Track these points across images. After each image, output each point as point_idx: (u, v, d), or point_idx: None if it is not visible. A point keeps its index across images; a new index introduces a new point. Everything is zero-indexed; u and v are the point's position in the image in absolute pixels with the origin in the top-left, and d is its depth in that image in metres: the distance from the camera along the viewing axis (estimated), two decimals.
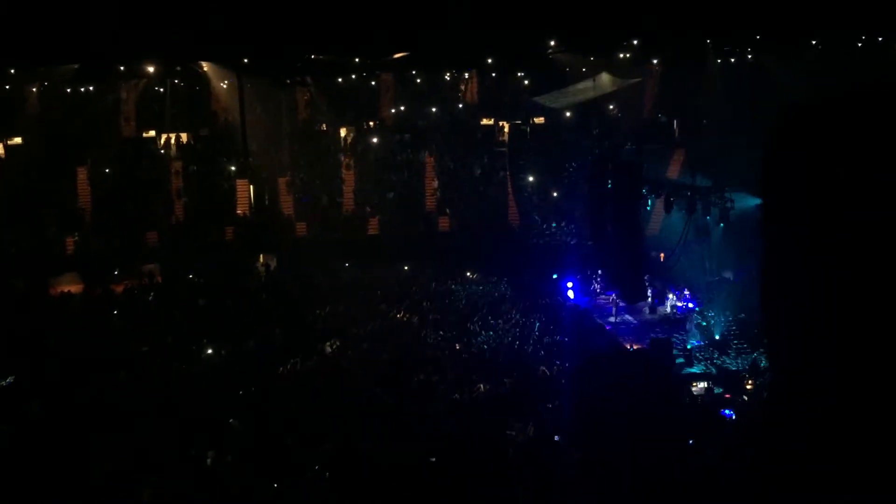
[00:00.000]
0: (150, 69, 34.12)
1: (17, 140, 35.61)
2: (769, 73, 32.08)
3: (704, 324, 26.39)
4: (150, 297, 29.71)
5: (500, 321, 26.17)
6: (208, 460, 16.36)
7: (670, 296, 28.83)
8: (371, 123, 38.41)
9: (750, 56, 34.10)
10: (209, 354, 23.34)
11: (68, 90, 35.62)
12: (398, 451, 16.08)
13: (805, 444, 1.36)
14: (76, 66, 33.64)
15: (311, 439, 16.99)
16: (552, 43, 34.43)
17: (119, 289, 30.45)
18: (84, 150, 35.05)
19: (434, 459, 15.57)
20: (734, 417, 18.51)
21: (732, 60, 34.14)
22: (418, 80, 38.27)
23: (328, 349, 23.63)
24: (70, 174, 34.51)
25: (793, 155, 1.35)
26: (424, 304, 27.79)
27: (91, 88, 36.05)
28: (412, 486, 14.64)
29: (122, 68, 34.62)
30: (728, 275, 28.59)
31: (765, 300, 1.45)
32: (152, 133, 37.17)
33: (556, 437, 16.31)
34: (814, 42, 31.74)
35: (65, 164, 34.47)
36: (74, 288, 30.63)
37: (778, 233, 1.39)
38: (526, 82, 38.06)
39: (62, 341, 23.93)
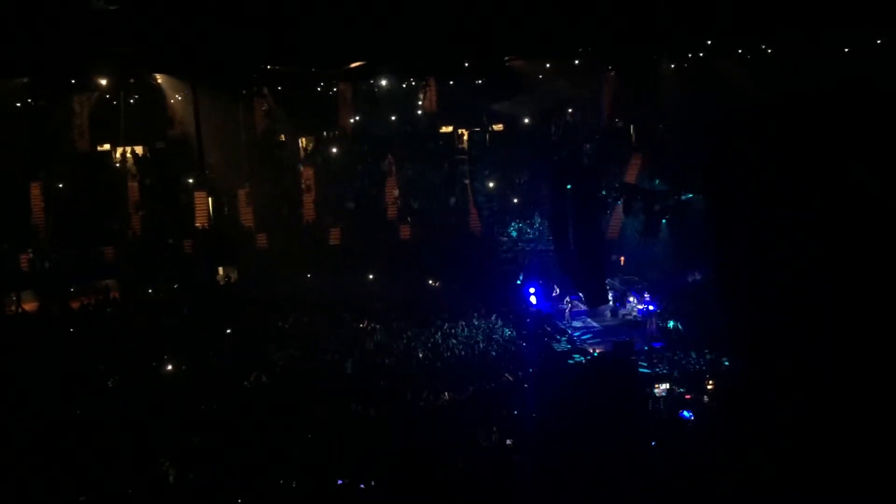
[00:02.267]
0: (104, 82, 33.62)
1: None
2: (723, 76, 32.64)
3: (671, 325, 26.68)
4: (108, 313, 29.23)
5: (463, 328, 26.23)
6: (170, 478, 16.15)
7: (631, 299, 29.12)
8: (330, 133, 38.30)
9: (704, 60, 34.65)
10: (169, 370, 23.02)
11: (19, 104, 34.94)
12: (366, 458, 16.03)
13: (767, 439, 1.37)
14: (26, 80, 33.04)
15: (278, 451, 16.86)
16: (509, 50, 34.65)
17: (76, 305, 29.90)
18: (37, 165, 34.38)
19: (402, 466, 15.56)
20: (692, 418, 18.76)
21: (686, 65, 34.66)
22: (376, 90, 38.24)
23: (292, 361, 23.46)
24: (23, 189, 33.83)
25: (739, 152, 1.37)
26: (386, 312, 27.76)
27: (43, 102, 35.39)
28: (380, 494, 14.61)
29: (74, 81, 34.05)
30: (689, 276, 29.00)
31: (723, 293, 1.47)
32: (107, 146, 36.62)
33: (508, 441, 16.42)
34: (764, 46, 32.34)
35: (17, 180, 33.79)
36: (30, 305, 30.03)
37: (726, 226, 1.41)
38: (484, 90, 38.23)
39: (18, 359, 23.42)
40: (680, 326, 26.64)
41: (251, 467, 16.33)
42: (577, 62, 34.94)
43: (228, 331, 25.82)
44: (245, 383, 21.81)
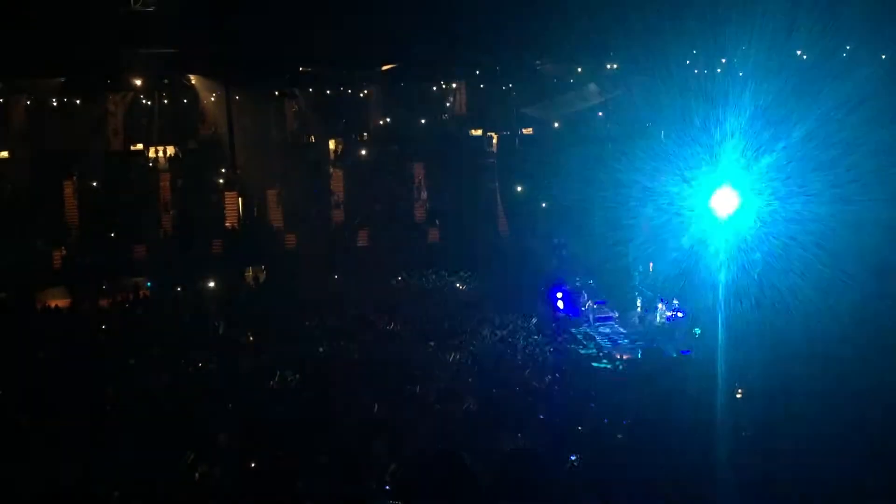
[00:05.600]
0: (139, 82, 34.04)
1: (4, 154, 35.45)
2: (749, 83, 32.26)
3: (696, 332, 26.37)
4: (138, 311, 29.53)
5: (490, 331, 26.15)
6: (196, 475, 16.24)
7: (659, 305, 28.84)
8: (360, 135, 38.44)
9: (731, 67, 34.31)
10: (198, 368, 23.19)
11: (55, 103, 35.48)
12: (390, 461, 16.03)
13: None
14: (63, 80, 33.54)
15: (303, 451, 16.91)
16: (540, 55, 34.59)
17: (106, 302, 30.25)
18: (71, 164, 34.89)
19: (425, 470, 15.51)
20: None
21: (716, 71, 34.36)
22: (407, 92, 38.34)
23: (318, 361, 23.53)
24: (57, 187, 34.33)
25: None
26: (414, 314, 27.75)
27: (78, 101, 35.92)
28: (405, 497, 14.58)
29: (109, 81, 34.52)
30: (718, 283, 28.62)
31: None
32: (140, 146, 37.07)
33: (538, 450, 16.30)
34: (799, 52, 31.97)
35: (52, 178, 34.29)
36: (62, 301, 30.44)
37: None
38: (514, 94, 38.19)
39: (50, 355, 23.73)
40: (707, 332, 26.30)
41: (277, 467, 16.41)
42: (607, 66, 34.77)
43: (256, 330, 25.94)
44: (271, 383, 21.89)
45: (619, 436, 17.28)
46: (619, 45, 33.08)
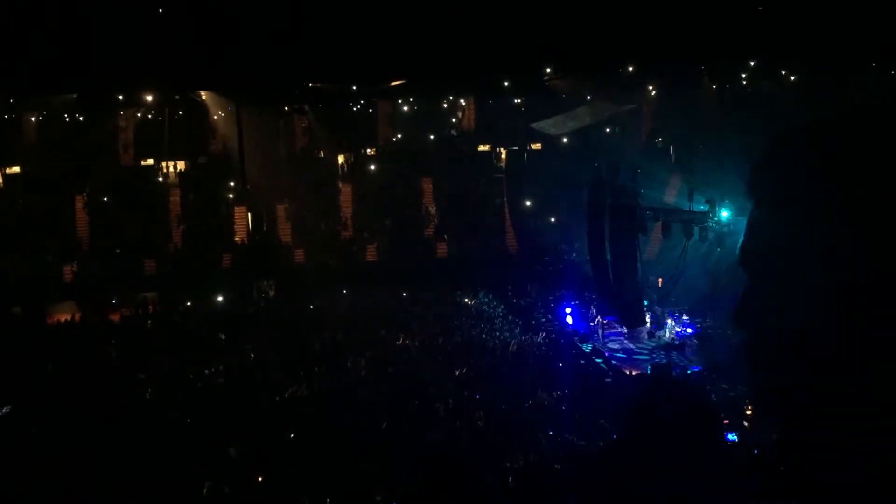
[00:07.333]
0: (149, 98, 34.29)
1: (16, 169, 35.70)
2: (764, 97, 32.31)
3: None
4: (148, 325, 29.62)
5: (498, 345, 26.11)
6: (205, 490, 16.22)
7: (669, 321, 28.74)
8: (369, 150, 38.58)
9: (745, 81, 34.35)
10: (207, 382, 23.20)
11: (67, 119, 35.76)
12: (397, 476, 15.97)
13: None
14: (75, 96, 33.80)
15: (310, 465, 16.88)
16: (549, 70, 34.66)
17: (117, 316, 30.34)
18: (82, 178, 35.11)
19: (433, 485, 15.43)
20: (737, 440, 18.42)
21: (728, 85, 34.38)
22: (416, 107, 38.49)
23: (327, 376, 23.52)
24: (68, 202, 34.53)
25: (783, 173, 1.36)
26: (422, 329, 27.71)
27: (90, 117, 36.19)
28: None
29: (120, 97, 34.79)
30: (728, 298, 28.53)
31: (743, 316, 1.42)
32: (151, 161, 37.29)
33: (557, 466, 16.18)
34: (808, 67, 31.98)
35: (63, 192, 34.51)
36: (72, 315, 30.55)
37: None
38: (523, 109, 38.27)
39: (60, 369, 23.80)
40: (717, 348, 26.20)
41: (286, 482, 16.38)
42: (617, 81, 34.82)
43: (267, 345, 25.96)
44: (277, 398, 21.88)
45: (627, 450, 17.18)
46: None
